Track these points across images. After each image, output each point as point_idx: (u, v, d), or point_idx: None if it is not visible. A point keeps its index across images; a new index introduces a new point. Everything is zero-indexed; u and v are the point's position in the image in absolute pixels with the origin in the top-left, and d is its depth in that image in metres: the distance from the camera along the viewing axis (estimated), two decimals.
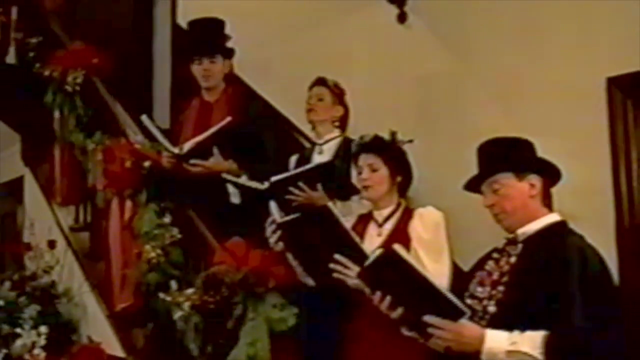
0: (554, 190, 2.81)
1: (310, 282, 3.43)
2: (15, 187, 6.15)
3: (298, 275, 3.46)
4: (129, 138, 4.38)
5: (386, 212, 3.42)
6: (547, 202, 2.75)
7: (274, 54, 5.16)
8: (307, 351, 3.48)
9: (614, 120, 3.55)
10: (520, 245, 2.65)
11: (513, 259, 2.63)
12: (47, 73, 5.05)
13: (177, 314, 3.56)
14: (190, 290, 3.58)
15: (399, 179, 3.43)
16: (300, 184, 3.62)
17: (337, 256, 3.08)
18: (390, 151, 3.40)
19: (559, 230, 2.66)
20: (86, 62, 4.95)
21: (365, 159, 3.42)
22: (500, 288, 2.58)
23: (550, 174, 2.74)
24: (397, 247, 2.56)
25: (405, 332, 2.74)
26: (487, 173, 2.74)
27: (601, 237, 3.47)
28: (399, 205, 3.44)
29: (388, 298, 2.61)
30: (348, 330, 3.34)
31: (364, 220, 3.49)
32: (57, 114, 5.04)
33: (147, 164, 4.16)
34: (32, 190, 5.78)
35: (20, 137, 5.91)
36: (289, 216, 3.35)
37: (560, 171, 2.76)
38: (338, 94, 4.07)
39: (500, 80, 3.99)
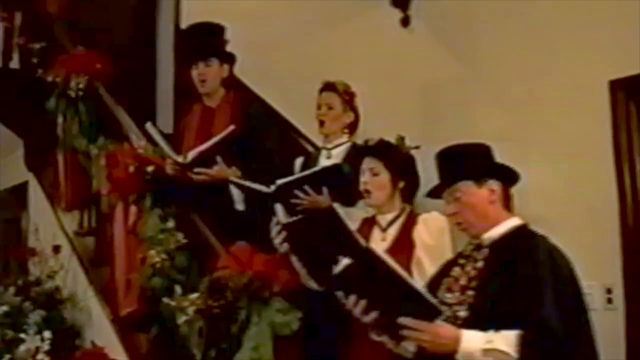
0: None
1: (314, 286, 3.43)
2: (19, 193, 6.15)
3: (302, 278, 3.46)
4: (133, 143, 4.38)
5: (389, 216, 3.41)
6: (507, 205, 2.76)
7: (277, 57, 5.16)
8: (310, 354, 3.48)
9: (617, 122, 3.57)
10: (486, 250, 2.67)
11: (480, 264, 2.64)
12: (50, 78, 5.02)
13: (182, 319, 3.55)
14: (194, 295, 3.57)
15: (401, 184, 3.41)
16: (306, 187, 3.57)
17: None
18: (392, 156, 3.39)
19: (524, 233, 2.68)
20: (89, 67, 4.93)
21: (367, 163, 3.41)
22: (470, 293, 2.59)
23: (508, 177, 2.75)
24: (373, 247, 2.54)
25: (375, 337, 2.70)
26: (447, 182, 2.74)
27: (606, 237, 3.50)
28: (403, 210, 3.43)
29: (362, 302, 2.55)
30: (351, 332, 3.32)
31: (368, 224, 3.47)
32: (60, 119, 5.03)
33: (150, 168, 4.16)
34: (36, 196, 5.77)
35: (23, 142, 5.91)
36: (294, 217, 3.34)
37: (517, 174, 2.76)
38: (348, 100, 3.98)
39: (504, 84, 3.99)
